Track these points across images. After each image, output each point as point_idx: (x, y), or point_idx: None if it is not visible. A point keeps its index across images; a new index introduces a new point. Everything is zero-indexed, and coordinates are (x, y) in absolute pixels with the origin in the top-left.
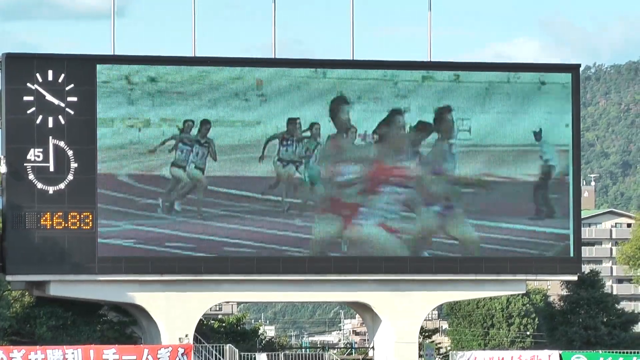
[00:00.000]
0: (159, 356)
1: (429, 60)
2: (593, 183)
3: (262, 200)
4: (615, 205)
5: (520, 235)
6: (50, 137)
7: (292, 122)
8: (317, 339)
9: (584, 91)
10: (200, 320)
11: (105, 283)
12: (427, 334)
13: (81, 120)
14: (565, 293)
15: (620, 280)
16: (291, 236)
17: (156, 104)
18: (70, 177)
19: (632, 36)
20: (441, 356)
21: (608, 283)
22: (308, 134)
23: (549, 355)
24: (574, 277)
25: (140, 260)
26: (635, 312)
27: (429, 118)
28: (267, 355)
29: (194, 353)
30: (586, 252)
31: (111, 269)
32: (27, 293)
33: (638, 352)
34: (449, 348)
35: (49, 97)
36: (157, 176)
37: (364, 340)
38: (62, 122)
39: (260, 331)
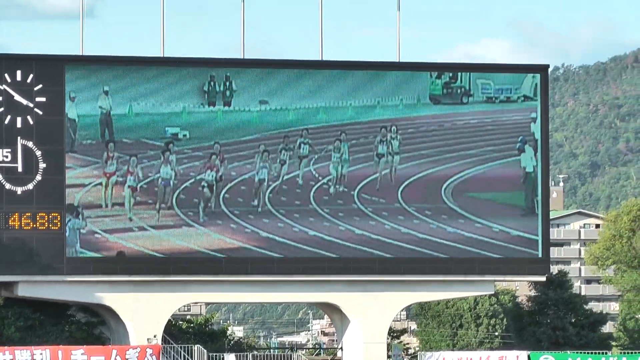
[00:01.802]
0: (127, 357)
1: (398, 60)
2: (561, 184)
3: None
4: (584, 206)
5: (488, 235)
6: (19, 138)
7: None
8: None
9: (553, 92)
10: (169, 320)
11: (74, 284)
12: (395, 334)
13: (50, 121)
14: (533, 294)
15: (588, 281)
16: (263, 236)
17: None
18: (38, 177)
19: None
20: (410, 357)
21: (576, 284)
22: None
23: (517, 356)
24: (543, 278)
25: (109, 261)
26: (604, 312)
27: None
28: (236, 355)
29: (163, 354)
30: (554, 252)
31: (79, 269)
32: None
33: (606, 353)
34: (417, 348)
35: (17, 97)
36: None
37: (333, 340)
38: (31, 122)
39: (228, 332)
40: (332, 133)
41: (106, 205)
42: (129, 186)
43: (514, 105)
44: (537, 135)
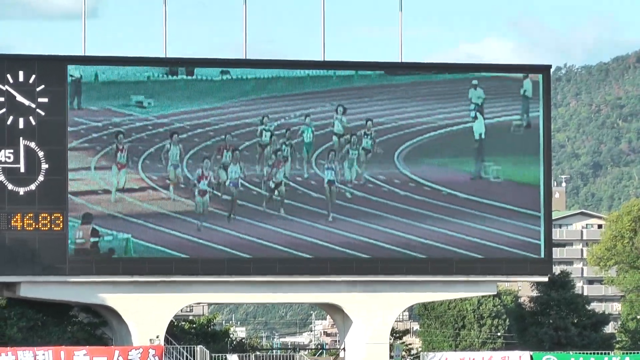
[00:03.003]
0: (129, 357)
1: (400, 60)
2: (564, 184)
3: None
4: (586, 207)
5: (491, 236)
6: (21, 138)
7: None
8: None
9: (555, 92)
10: (171, 321)
11: (76, 284)
12: (398, 335)
13: (52, 121)
14: (535, 294)
15: (590, 281)
16: (264, 237)
17: None
18: (40, 178)
19: (603, 37)
20: (412, 357)
21: (579, 284)
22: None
23: (520, 356)
24: (545, 278)
25: (111, 262)
26: (606, 313)
27: None
28: (238, 356)
29: (165, 354)
30: (557, 253)
31: (81, 270)
32: None
33: (608, 353)
34: (420, 349)
35: (19, 97)
36: None
37: (335, 341)
38: (33, 123)
39: (231, 332)
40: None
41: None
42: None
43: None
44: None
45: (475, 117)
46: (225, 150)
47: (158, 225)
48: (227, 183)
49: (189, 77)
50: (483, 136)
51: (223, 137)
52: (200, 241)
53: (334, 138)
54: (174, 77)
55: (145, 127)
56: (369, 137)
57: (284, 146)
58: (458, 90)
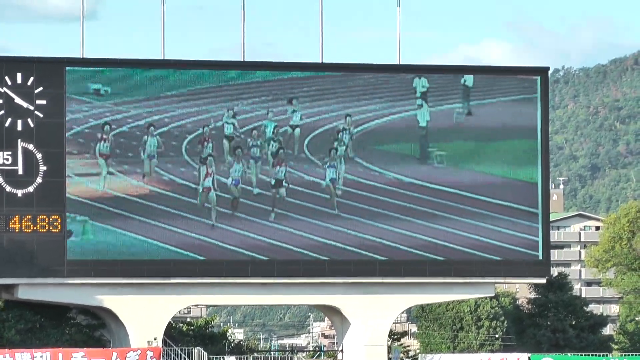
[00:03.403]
0: (127, 359)
1: (398, 63)
2: (562, 186)
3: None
4: (584, 209)
5: (488, 238)
6: (19, 140)
7: None
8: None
9: (553, 94)
10: (169, 323)
11: (74, 286)
12: (396, 337)
13: (50, 123)
14: (533, 296)
15: (589, 283)
16: (261, 239)
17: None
18: (39, 180)
19: (601, 39)
20: (410, 359)
21: (577, 286)
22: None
23: (518, 358)
24: (543, 280)
25: (109, 264)
26: (604, 314)
27: None
28: (236, 358)
29: (163, 356)
30: (555, 255)
31: (80, 272)
32: None
33: (607, 355)
34: (418, 351)
35: (17, 99)
36: None
37: (333, 343)
38: (31, 125)
39: (229, 334)
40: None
41: None
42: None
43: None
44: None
45: (420, 106)
46: (206, 143)
47: (162, 223)
48: (229, 182)
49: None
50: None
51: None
52: (201, 242)
53: (289, 129)
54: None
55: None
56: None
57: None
58: (404, 79)
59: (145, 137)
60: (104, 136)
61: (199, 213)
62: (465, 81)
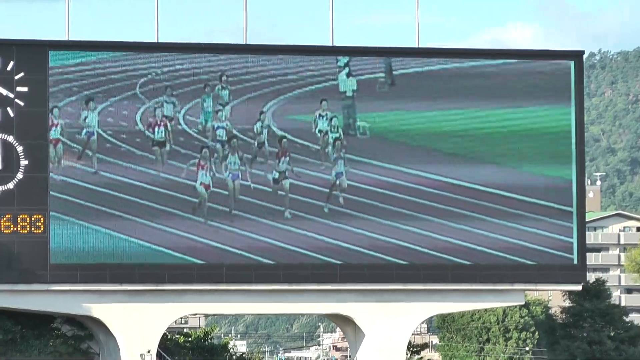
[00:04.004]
0: None
1: (417, 46)
2: (599, 182)
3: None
4: (624, 207)
5: (518, 239)
6: None
7: None
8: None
9: (588, 81)
10: (164, 334)
11: (59, 293)
12: (415, 349)
13: (32, 113)
14: (567, 304)
15: (629, 290)
16: (266, 241)
17: None
18: (19, 175)
19: None
20: None
21: (615, 293)
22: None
23: None
24: (578, 287)
25: (97, 268)
26: None
27: None
28: None
29: None
30: (591, 259)
31: (65, 277)
32: None
33: None
34: None
35: None
36: None
37: (346, 356)
38: (11, 114)
39: (230, 346)
40: None
41: None
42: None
43: None
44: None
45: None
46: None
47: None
48: (226, 175)
49: None
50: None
51: None
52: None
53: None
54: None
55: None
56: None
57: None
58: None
59: None
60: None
61: (198, 212)
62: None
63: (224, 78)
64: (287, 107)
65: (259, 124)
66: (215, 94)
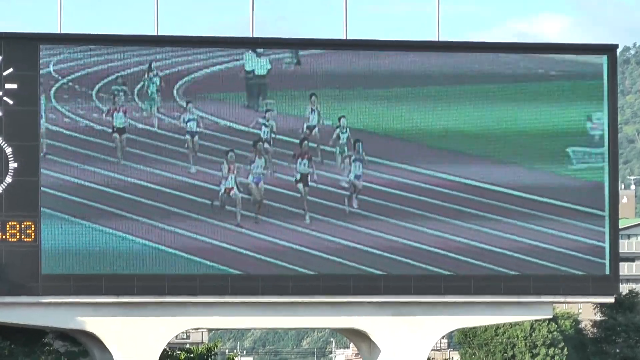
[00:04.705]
0: None
1: (437, 39)
2: (633, 187)
3: None
4: None
5: (545, 247)
6: None
7: None
8: None
9: (622, 77)
10: (164, 350)
11: (50, 306)
12: None
13: (22, 112)
14: (599, 318)
15: None
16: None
17: None
18: (8, 179)
19: None
20: None
21: None
22: None
23: None
24: (610, 299)
25: (93, 279)
26: None
27: None
28: None
29: None
30: (624, 269)
31: (57, 289)
32: None
33: None
34: None
35: None
36: None
37: None
38: (0, 113)
39: None
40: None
41: None
42: None
43: None
44: None
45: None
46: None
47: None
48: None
49: None
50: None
51: None
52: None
53: None
54: None
55: None
56: None
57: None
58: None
59: None
60: None
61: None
62: None
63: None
64: None
65: None
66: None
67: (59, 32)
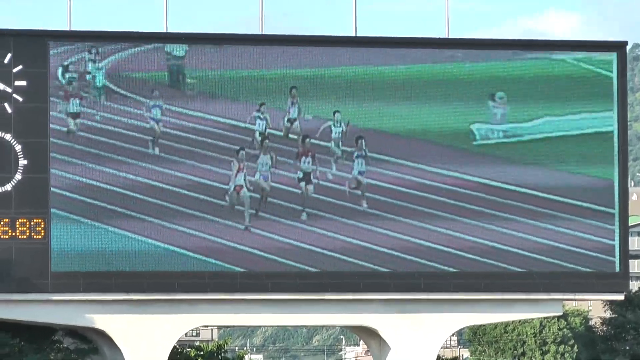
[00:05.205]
0: None
1: (447, 37)
2: None
3: None
4: None
5: (554, 244)
6: None
7: None
8: None
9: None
10: (174, 347)
11: (60, 303)
12: None
13: (32, 109)
14: (609, 315)
15: None
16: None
17: None
18: (18, 176)
19: None
20: None
21: None
22: None
23: None
24: (620, 296)
25: (102, 276)
26: None
27: None
28: None
29: None
30: (635, 266)
31: (67, 286)
32: None
33: None
34: None
35: None
36: None
37: None
38: (9, 110)
39: None
40: None
41: None
42: None
43: None
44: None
45: None
46: None
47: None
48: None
49: None
50: None
51: None
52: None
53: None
54: None
55: None
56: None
57: None
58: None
59: None
60: None
61: (228, 215)
62: None
63: None
64: None
65: None
66: None
67: (68, 29)
